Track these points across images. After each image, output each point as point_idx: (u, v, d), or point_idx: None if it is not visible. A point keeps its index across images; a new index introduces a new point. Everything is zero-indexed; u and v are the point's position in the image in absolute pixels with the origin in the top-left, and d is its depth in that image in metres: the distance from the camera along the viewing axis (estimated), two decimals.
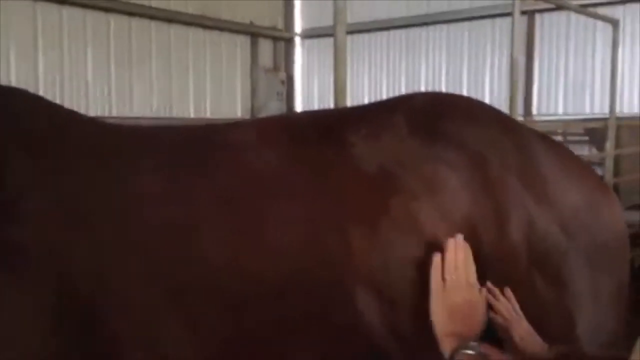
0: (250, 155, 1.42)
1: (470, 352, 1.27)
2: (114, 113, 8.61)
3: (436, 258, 1.31)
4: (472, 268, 1.33)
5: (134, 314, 1.24)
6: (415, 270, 1.32)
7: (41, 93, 7.62)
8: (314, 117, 1.59)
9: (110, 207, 1.30)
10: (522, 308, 1.37)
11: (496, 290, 1.37)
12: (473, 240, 1.34)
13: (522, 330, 1.35)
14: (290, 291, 1.28)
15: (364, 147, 1.41)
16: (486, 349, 1.37)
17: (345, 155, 1.40)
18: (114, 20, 8.58)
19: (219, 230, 1.30)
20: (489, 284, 1.37)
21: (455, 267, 1.30)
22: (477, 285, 1.33)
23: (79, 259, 1.24)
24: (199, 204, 1.32)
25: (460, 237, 1.32)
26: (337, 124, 1.49)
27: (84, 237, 1.26)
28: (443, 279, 1.29)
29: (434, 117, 1.48)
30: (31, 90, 1.65)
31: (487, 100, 9.15)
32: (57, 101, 7.77)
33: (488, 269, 1.36)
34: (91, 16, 8.29)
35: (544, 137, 1.59)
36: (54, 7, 7.90)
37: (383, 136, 1.43)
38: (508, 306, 1.37)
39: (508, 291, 1.38)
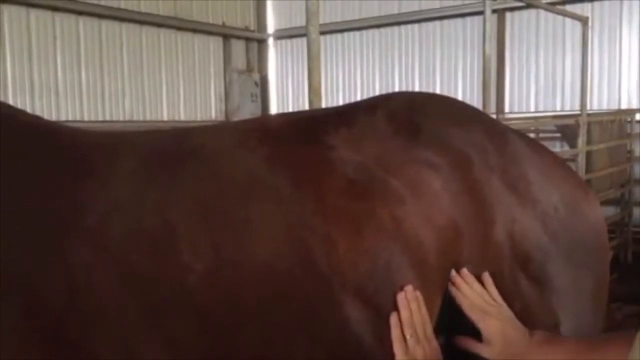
0: (227, 160, 1.38)
1: None
2: (85, 117, 8.49)
3: (393, 318, 1.29)
4: (426, 318, 1.31)
5: (108, 332, 1.19)
6: (401, 276, 1.31)
7: (10, 97, 7.47)
8: (291, 120, 1.56)
9: (80, 221, 1.24)
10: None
11: (471, 277, 1.36)
12: (458, 242, 1.33)
13: (499, 318, 1.33)
14: (274, 302, 1.24)
15: (345, 150, 1.38)
16: (461, 340, 1.36)
17: (326, 158, 1.37)
18: (84, 23, 8.45)
19: (196, 241, 1.25)
20: (464, 270, 1.36)
21: (410, 324, 1.28)
22: (433, 337, 1.32)
23: (47, 276, 1.19)
24: (175, 215, 1.27)
25: (409, 289, 1.30)
26: (316, 126, 1.46)
27: (51, 253, 1.21)
28: (404, 337, 1.29)
29: (415, 118, 1.46)
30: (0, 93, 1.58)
31: (460, 98, 9.24)
32: (27, 105, 7.63)
33: (473, 270, 1.36)
34: (60, 18, 8.16)
35: (525, 137, 1.59)
36: (22, 10, 7.76)
37: (364, 138, 1.41)
38: (483, 293, 1.36)
39: (486, 276, 1.37)
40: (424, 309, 1.31)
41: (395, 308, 1.29)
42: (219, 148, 1.42)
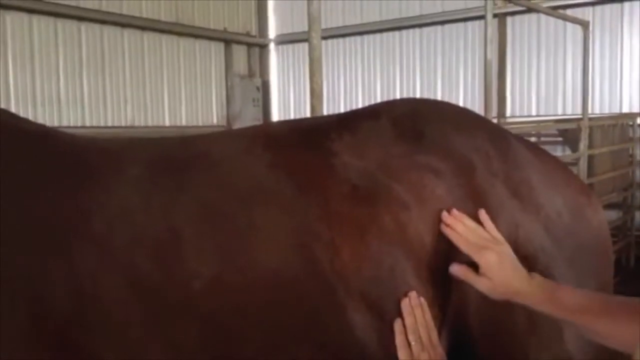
0: (231, 167, 1.39)
1: None
2: (87, 123, 8.50)
3: (397, 324, 1.29)
4: (431, 324, 1.31)
5: (113, 338, 1.20)
6: (405, 281, 1.31)
7: (12, 102, 7.48)
8: (295, 126, 1.57)
9: (86, 227, 1.25)
10: (510, 312, 1.37)
11: (463, 215, 1.34)
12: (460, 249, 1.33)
13: (497, 251, 1.30)
14: (279, 307, 1.25)
15: (349, 156, 1.39)
16: (457, 269, 1.32)
17: (330, 164, 1.38)
18: (86, 29, 8.47)
19: (201, 247, 1.26)
20: (454, 210, 1.35)
21: (414, 330, 1.28)
22: (438, 343, 1.31)
23: (53, 281, 1.20)
24: (180, 221, 1.28)
25: (413, 295, 1.30)
26: (320, 133, 1.47)
27: (58, 258, 1.22)
28: (408, 343, 1.28)
29: (417, 124, 1.47)
30: (1, 100, 1.59)
31: (461, 102, 9.25)
32: (29, 111, 7.62)
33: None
34: (62, 24, 8.18)
35: (527, 142, 1.60)
36: (24, 16, 7.78)
37: (367, 144, 1.42)
38: (478, 229, 1.33)
39: (482, 213, 1.36)
40: (428, 315, 1.30)
41: (400, 314, 1.29)
42: (223, 154, 1.43)
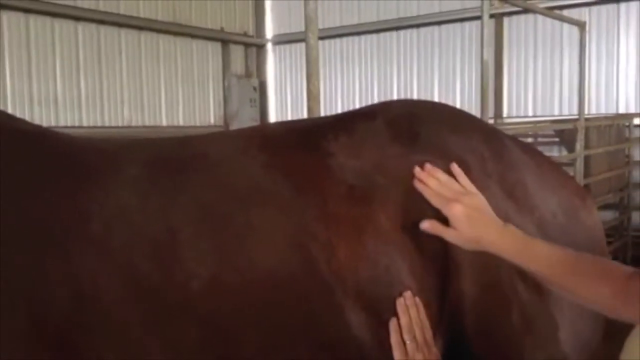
0: (229, 168, 1.40)
1: None
2: (84, 123, 8.50)
3: (392, 324, 1.30)
4: (426, 324, 1.31)
5: (112, 338, 1.20)
6: (401, 281, 1.32)
7: (9, 103, 7.48)
8: (291, 127, 1.57)
9: (85, 227, 1.26)
10: (505, 312, 1.38)
11: (436, 169, 1.35)
12: (456, 247, 1.34)
13: (465, 203, 1.30)
14: (276, 307, 1.26)
15: (345, 156, 1.40)
16: (428, 224, 1.32)
17: (326, 165, 1.38)
18: (83, 29, 8.46)
19: (199, 247, 1.27)
20: (427, 165, 1.36)
21: (409, 329, 1.29)
22: (433, 343, 1.32)
23: (52, 281, 1.20)
24: (178, 221, 1.29)
25: (409, 295, 1.31)
26: (316, 133, 1.48)
27: (57, 259, 1.22)
28: (403, 342, 1.29)
29: (413, 125, 1.48)
30: None
31: (457, 103, 9.28)
32: (26, 111, 7.63)
33: (472, 276, 1.36)
34: (59, 24, 8.17)
35: (522, 143, 1.61)
36: (21, 16, 7.77)
37: (363, 144, 1.42)
38: (450, 182, 1.35)
39: (454, 166, 1.37)
40: (423, 315, 1.31)
41: (395, 313, 1.30)
42: (220, 155, 1.43)
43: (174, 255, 1.26)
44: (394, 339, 1.29)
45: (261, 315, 1.25)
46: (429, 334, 1.32)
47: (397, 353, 1.29)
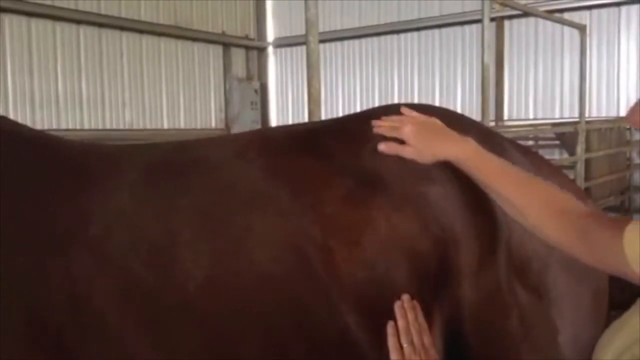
0: (227, 171, 1.41)
1: None
2: (86, 126, 8.51)
3: (390, 327, 1.30)
4: (424, 327, 1.31)
5: (109, 340, 1.21)
6: (399, 284, 1.32)
7: (11, 106, 7.50)
8: (291, 131, 1.58)
9: (84, 231, 1.27)
10: (504, 317, 1.38)
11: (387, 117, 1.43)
12: (455, 251, 1.35)
13: (413, 122, 1.39)
14: (274, 309, 1.26)
15: (344, 160, 1.40)
16: (384, 146, 1.38)
17: (325, 168, 1.39)
18: (84, 32, 8.49)
19: (198, 250, 1.28)
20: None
21: (407, 333, 1.29)
22: (431, 346, 1.32)
23: (51, 284, 1.21)
24: (176, 224, 1.30)
25: (406, 298, 1.31)
26: (315, 137, 1.49)
27: (56, 262, 1.23)
28: (400, 346, 1.29)
29: None
30: (0, 103, 1.61)
31: (458, 106, 9.28)
32: (27, 114, 7.64)
33: (470, 279, 1.37)
34: (61, 28, 8.19)
35: (521, 147, 1.61)
36: (23, 19, 7.79)
37: (362, 148, 1.43)
38: (406, 111, 1.44)
39: (404, 109, 1.46)
40: (421, 318, 1.31)
41: (393, 317, 1.30)
42: (219, 159, 1.44)
43: (171, 257, 1.27)
44: (391, 342, 1.29)
45: (258, 317, 1.26)
46: (427, 337, 1.32)
47: (394, 356, 1.29)
